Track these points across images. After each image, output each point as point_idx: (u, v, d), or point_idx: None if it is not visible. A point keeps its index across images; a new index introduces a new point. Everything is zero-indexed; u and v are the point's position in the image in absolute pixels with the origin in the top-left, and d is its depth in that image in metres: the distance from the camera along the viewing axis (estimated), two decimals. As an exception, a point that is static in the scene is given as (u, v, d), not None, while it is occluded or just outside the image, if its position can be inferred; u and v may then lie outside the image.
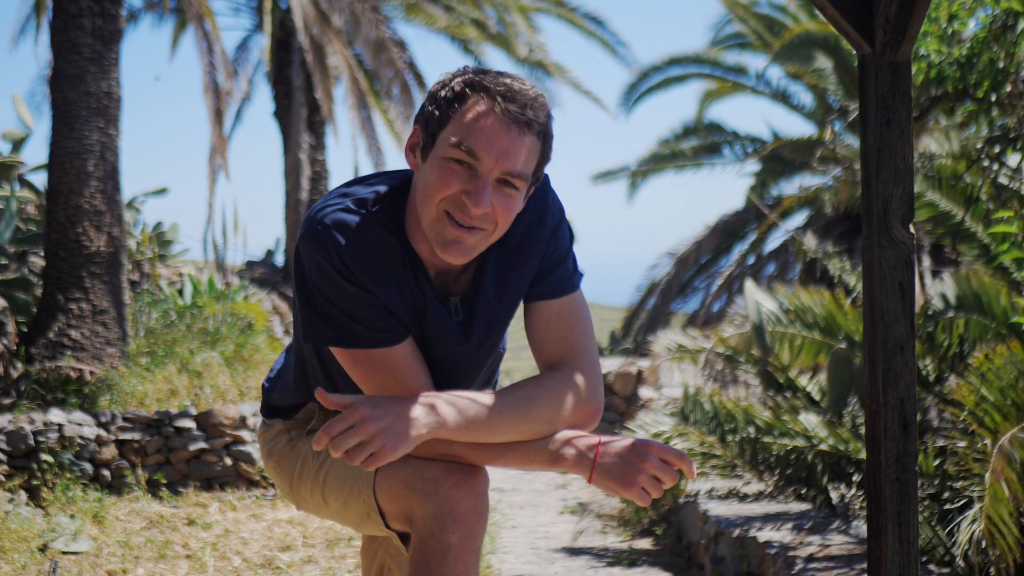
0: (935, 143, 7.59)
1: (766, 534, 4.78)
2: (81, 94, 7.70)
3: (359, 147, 28.85)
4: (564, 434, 1.98)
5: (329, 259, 1.89)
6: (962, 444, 4.18)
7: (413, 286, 1.96)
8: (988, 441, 3.97)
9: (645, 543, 6.15)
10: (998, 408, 4.05)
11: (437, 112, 1.87)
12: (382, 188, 1.98)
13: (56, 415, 6.57)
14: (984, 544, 3.71)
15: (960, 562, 4.00)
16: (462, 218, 1.84)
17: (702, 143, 15.40)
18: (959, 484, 4.13)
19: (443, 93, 1.88)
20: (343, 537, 5.61)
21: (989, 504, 3.69)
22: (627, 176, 16.06)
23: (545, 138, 1.89)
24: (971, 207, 5.53)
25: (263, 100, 77.61)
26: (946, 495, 4.48)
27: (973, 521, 3.84)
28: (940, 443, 4.70)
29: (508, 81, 1.86)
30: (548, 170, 2.01)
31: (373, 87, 13.95)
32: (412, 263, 1.96)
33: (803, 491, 5.46)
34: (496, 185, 1.84)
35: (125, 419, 6.74)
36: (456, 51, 15.09)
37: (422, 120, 1.91)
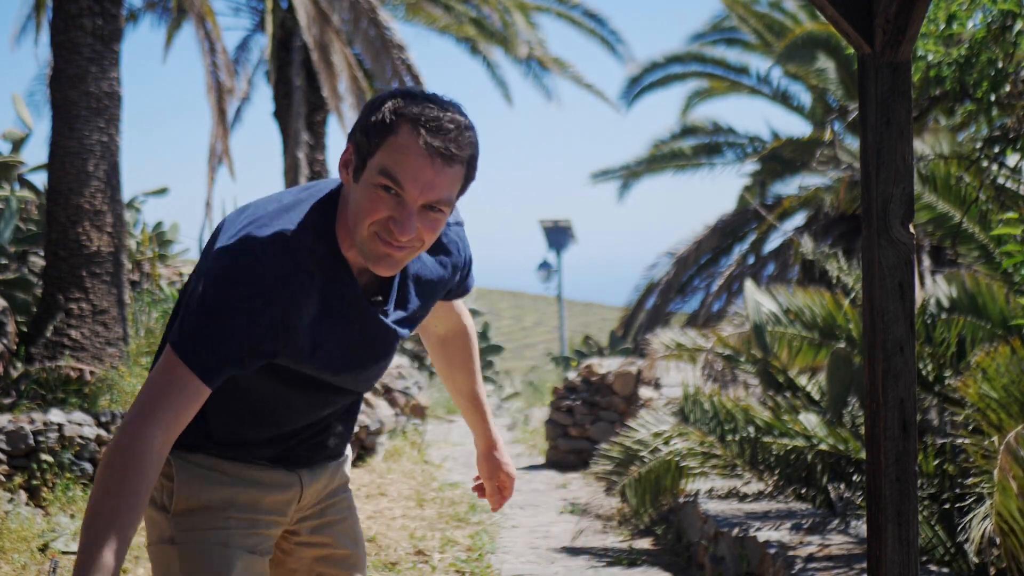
0: (927, 146, 7.58)
1: (766, 534, 4.78)
2: (81, 94, 7.70)
3: (359, 147, 28.80)
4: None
5: (250, 274, 1.90)
6: (968, 441, 4.17)
7: (332, 294, 2.00)
8: (995, 439, 3.97)
9: (645, 543, 6.16)
10: (1003, 406, 4.05)
11: (367, 138, 1.92)
12: (309, 202, 2.03)
13: (56, 415, 6.56)
14: (998, 541, 3.70)
15: (973, 558, 3.98)
16: (390, 239, 1.93)
17: (701, 143, 15.40)
18: (969, 481, 4.11)
19: (374, 119, 1.92)
20: (343, 537, 5.60)
21: (999, 501, 3.68)
22: (627, 175, 16.05)
23: (469, 163, 1.97)
24: (969, 208, 5.52)
25: (263, 100, 77.70)
26: (948, 493, 4.47)
27: (984, 518, 3.83)
28: (946, 440, 4.68)
29: (436, 113, 1.90)
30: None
31: (373, 86, 13.97)
32: (341, 270, 2.01)
33: (803, 491, 5.46)
34: (422, 210, 1.93)
35: (125, 419, 6.73)
36: (456, 50, 15.14)
37: (354, 142, 1.96)
